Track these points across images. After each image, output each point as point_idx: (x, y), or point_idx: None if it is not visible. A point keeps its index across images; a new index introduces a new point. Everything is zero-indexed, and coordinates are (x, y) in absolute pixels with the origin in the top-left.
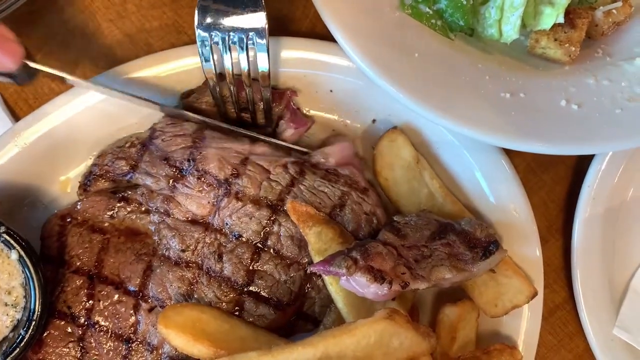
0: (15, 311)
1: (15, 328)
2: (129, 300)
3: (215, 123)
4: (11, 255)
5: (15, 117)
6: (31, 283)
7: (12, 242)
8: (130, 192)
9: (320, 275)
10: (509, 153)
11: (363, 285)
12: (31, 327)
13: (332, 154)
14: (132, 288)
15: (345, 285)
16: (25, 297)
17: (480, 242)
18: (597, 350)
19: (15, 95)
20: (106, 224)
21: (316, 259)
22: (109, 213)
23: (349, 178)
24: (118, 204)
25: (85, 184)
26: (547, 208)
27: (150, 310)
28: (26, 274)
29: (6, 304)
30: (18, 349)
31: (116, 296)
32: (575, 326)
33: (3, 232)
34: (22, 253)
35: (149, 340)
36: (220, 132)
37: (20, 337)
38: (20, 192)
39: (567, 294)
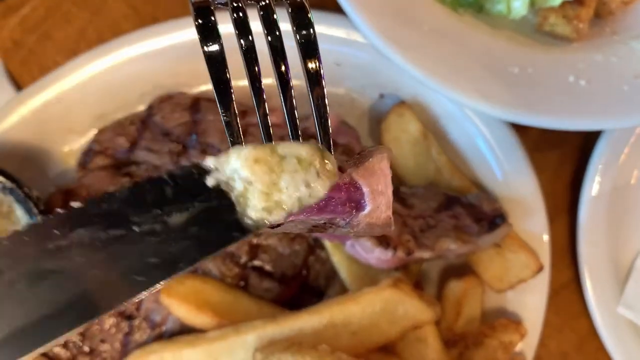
0: None
1: None
2: None
3: (208, 96)
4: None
5: (19, 89)
6: None
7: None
8: (134, 168)
9: (324, 247)
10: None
11: (367, 249)
12: None
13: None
14: None
15: (349, 250)
16: None
17: (486, 215)
18: (602, 328)
19: (19, 68)
20: None
21: None
22: (113, 189)
23: (346, 147)
24: (122, 179)
25: (85, 161)
26: (553, 187)
27: None
28: None
29: None
30: None
31: None
32: (580, 306)
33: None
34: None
35: (152, 317)
36: (215, 102)
37: None
38: (24, 163)
39: (572, 274)
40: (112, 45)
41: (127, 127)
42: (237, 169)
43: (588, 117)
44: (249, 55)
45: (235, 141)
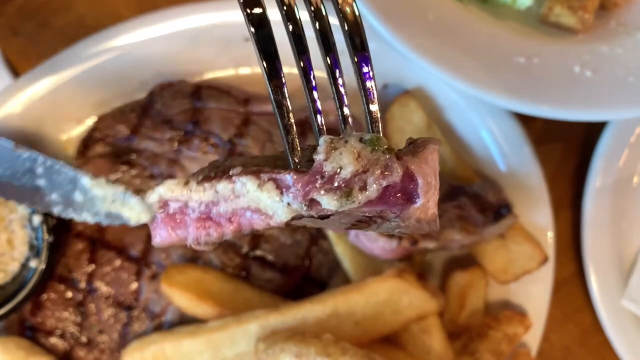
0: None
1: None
2: (131, 267)
3: (209, 83)
4: None
5: (17, 76)
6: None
7: None
8: (135, 156)
9: (326, 238)
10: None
11: (372, 238)
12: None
13: (331, 112)
14: (134, 254)
15: (353, 241)
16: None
17: (491, 205)
18: (606, 321)
19: (17, 55)
20: None
21: None
22: (113, 177)
23: None
24: (122, 167)
25: (84, 149)
26: (556, 181)
27: (153, 277)
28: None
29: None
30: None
31: (118, 262)
32: (583, 300)
33: None
34: None
35: (151, 308)
36: (216, 90)
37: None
38: None
39: (575, 268)
40: (111, 33)
41: (127, 114)
42: None
43: (593, 107)
44: (298, 42)
45: (289, 133)
